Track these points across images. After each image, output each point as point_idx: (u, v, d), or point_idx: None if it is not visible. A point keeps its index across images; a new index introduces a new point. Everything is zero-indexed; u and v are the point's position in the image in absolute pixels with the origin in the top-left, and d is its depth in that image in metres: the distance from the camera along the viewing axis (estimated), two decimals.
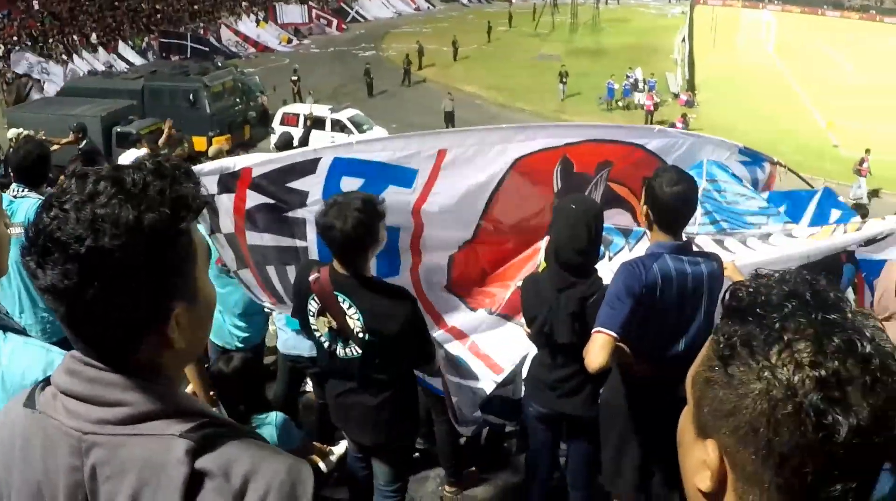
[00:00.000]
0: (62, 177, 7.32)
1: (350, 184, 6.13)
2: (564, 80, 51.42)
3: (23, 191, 7.04)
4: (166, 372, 1.93)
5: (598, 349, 4.75)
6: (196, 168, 6.12)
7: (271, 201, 6.18)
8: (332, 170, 6.16)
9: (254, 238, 6.30)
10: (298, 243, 6.33)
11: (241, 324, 7.59)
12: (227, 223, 6.19)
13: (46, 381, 1.93)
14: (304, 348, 7.12)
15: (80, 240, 1.72)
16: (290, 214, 6.23)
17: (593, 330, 4.84)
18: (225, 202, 6.12)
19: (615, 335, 4.74)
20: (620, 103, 50.05)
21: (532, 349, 6.15)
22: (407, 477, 5.97)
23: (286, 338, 7.43)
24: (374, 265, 5.67)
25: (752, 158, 8.56)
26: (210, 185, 6.02)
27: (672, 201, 4.88)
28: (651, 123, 41.09)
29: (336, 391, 5.52)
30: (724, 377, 1.47)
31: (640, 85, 50.89)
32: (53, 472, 1.82)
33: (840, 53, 64.95)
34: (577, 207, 5.60)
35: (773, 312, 1.44)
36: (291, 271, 6.32)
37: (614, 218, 7.16)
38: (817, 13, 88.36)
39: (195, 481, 1.75)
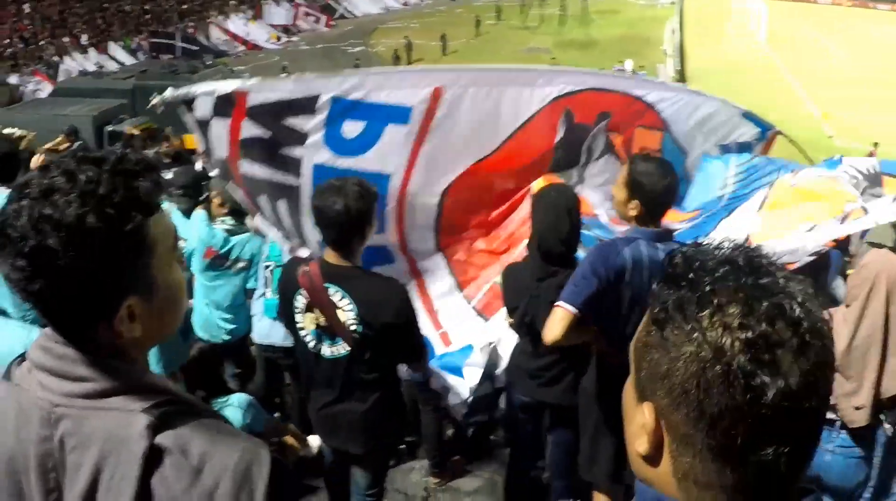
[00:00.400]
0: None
1: (352, 128, 6.19)
2: None
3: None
4: (129, 355, 1.99)
5: (555, 322, 4.82)
6: (191, 88, 6.23)
7: (267, 135, 6.15)
8: (332, 112, 6.11)
9: (246, 168, 6.30)
10: (292, 180, 6.30)
11: (229, 316, 7.78)
12: (220, 150, 6.21)
13: (23, 356, 2.01)
14: (278, 337, 7.22)
15: (25, 239, 1.79)
16: (285, 151, 6.21)
17: (554, 304, 4.88)
18: (218, 129, 6.13)
19: (574, 310, 4.77)
20: None
21: (495, 343, 6.32)
22: (385, 479, 5.88)
23: (260, 326, 7.51)
24: None
25: (755, 122, 8.35)
26: (204, 107, 6.05)
27: (661, 193, 4.93)
28: None
29: (320, 403, 5.32)
30: (660, 341, 1.49)
31: None
32: (26, 442, 1.89)
33: (832, 42, 64.72)
34: (558, 195, 5.67)
35: (705, 276, 1.46)
36: (282, 206, 6.40)
37: (610, 169, 7.14)
38: (808, 1, 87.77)
39: (154, 455, 1.82)
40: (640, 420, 1.57)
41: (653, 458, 1.56)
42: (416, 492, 7.35)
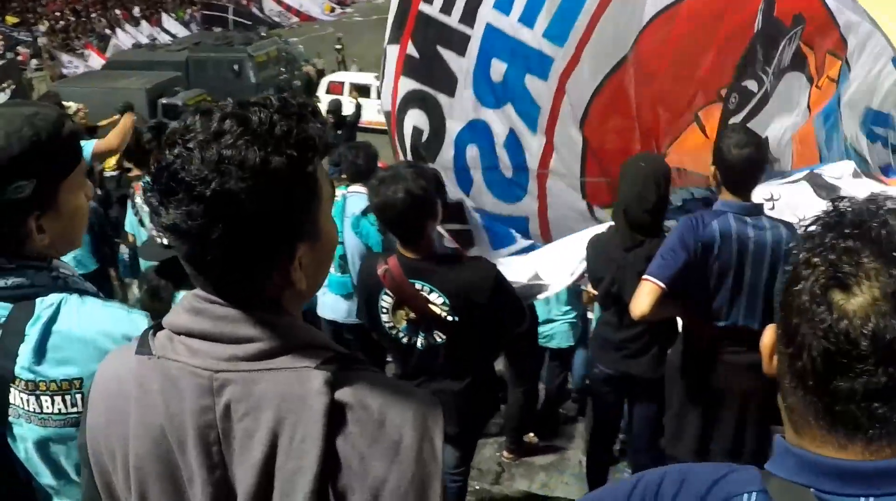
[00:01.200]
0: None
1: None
2: None
3: None
4: (288, 310, 1.89)
5: (643, 297, 4.83)
6: None
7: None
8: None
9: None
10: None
11: None
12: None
13: (157, 326, 1.91)
14: (341, 313, 7.32)
15: (206, 182, 1.69)
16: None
17: (642, 278, 4.89)
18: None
19: (663, 285, 4.78)
20: None
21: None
22: (472, 458, 5.91)
23: (324, 301, 7.51)
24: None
25: None
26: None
27: (739, 163, 4.84)
28: None
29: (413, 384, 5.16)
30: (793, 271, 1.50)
31: None
32: (178, 414, 1.77)
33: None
34: (646, 165, 5.60)
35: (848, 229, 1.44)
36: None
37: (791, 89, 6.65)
38: None
39: (336, 412, 1.74)
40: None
41: (776, 382, 1.61)
42: (490, 467, 7.39)
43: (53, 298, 2.55)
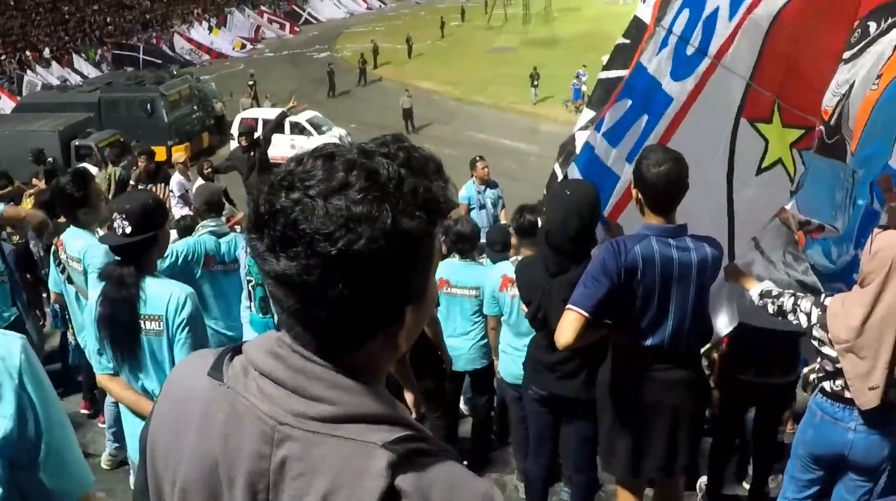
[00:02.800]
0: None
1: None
2: (536, 82, 47.56)
3: None
4: (377, 372, 1.83)
5: (566, 327, 4.82)
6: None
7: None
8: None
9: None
10: None
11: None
12: None
13: (236, 350, 1.84)
14: None
15: (331, 239, 1.58)
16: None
17: (566, 307, 4.88)
18: None
19: (586, 314, 4.79)
20: (569, 105, 45.38)
21: None
22: None
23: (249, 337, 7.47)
24: None
25: None
26: None
27: (657, 182, 4.83)
28: None
29: None
30: None
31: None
32: (236, 451, 1.71)
33: None
34: (571, 193, 5.62)
35: None
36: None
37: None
38: None
39: (392, 497, 1.62)
40: None
41: None
42: None
43: None
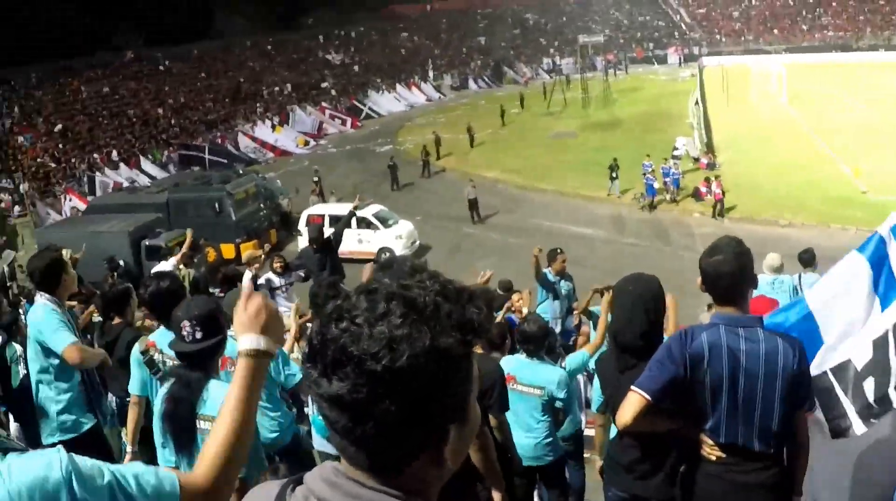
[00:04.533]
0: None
1: None
2: (615, 174, 43.82)
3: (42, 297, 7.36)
4: (427, 491, 1.95)
5: (627, 407, 4.89)
6: None
7: None
8: None
9: None
10: None
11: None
12: None
13: (298, 481, 2.00)
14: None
15: (376, 358, 1.75)
16: None
17: (630, 389, 4.95)
18: None
19: (648, 397, 4.83)
20: (643, 200, 42.10)
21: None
22: None
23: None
24: None
25: None
26: None
27: (716, 275, 4.92)
28: (720, 212, 38.80)
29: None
30: None
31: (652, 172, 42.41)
32: None
33: (853, 96, 64.29)
34: (635, 288, 5.64)
35: None
36: None
37: None
38: (826, 57, 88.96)
39: None
40: None
41: None
42: None
43: None
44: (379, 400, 1.76)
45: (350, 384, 1.77)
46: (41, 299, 7.28)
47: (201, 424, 5.23)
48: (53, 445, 2.77)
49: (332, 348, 1.80)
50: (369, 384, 1.75)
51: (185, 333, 5.31)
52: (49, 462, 2.63)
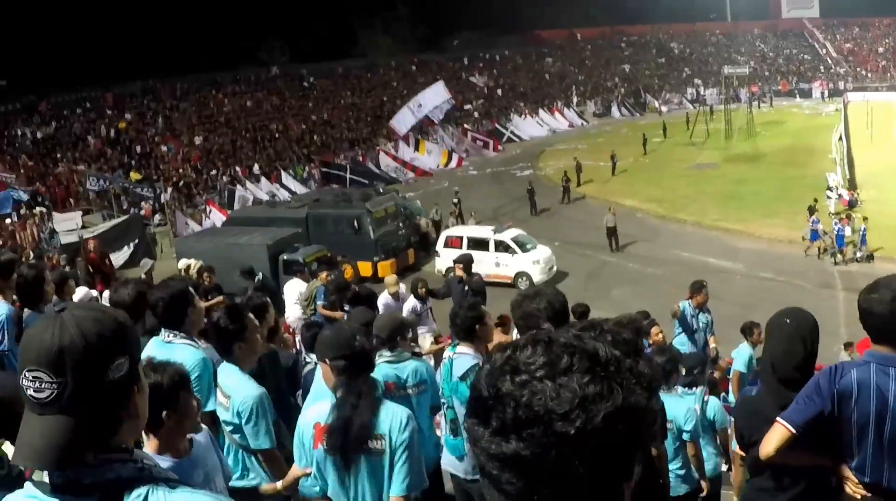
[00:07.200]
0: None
1: None
2: (816, 217, 38.55)
3: (171, 336, 6.69)
4: None
5: (772, 438, 4.83)
6: None
7: None
8: None
9: None
10: None
11: None
12: None
13: None
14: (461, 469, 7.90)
15: (568, 418, 1.64)
16: None
17: (776, 420, 4.88)
18: None
19: (793, 429, 4.75)
20: (829, 251, 37.46)
21: None
22: None
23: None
24: None
25: None
26: None
27: (863, 306, 4.87)
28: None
29: None
30: None
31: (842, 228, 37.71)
32: None
33: None
34: (791, 321, 5.52)
35: None
36: None
37: None
38: None
39: None
40: None
41: None
42: None
43: (141, 490, 2.47)
44: (569, 462, 1.63)
45: (536, 446, 1.64)
46: (170, 337, 6.66)
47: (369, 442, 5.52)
48: None
49: (512, 404, 1.66)
50: (559, 446, 1.63)
51: None
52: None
